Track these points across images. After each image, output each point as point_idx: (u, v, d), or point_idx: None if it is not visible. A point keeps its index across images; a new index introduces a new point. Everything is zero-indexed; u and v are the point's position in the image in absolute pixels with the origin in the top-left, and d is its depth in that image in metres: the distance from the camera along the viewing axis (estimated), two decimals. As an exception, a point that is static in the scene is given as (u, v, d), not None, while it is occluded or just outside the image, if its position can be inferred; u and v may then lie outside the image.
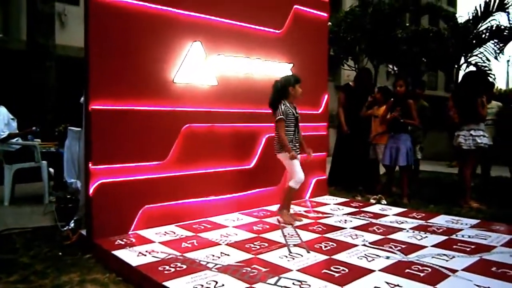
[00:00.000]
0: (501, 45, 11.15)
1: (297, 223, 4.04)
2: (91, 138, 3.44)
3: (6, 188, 5.14)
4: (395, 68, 14.48)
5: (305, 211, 4.58)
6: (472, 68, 11.67)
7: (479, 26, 11.14)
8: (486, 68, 11.35)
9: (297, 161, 4.05)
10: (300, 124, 4.14)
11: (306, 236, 3.61)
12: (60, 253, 3.33)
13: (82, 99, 4.76)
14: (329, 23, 6.52)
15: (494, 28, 10.94)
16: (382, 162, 5.68)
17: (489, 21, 11.03)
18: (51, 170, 5.45)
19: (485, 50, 11.56)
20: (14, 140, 5.27)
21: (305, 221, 4.14)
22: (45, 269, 2.98)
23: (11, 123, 5.32)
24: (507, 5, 10.59)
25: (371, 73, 6.47)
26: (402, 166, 5.46)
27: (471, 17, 11.23)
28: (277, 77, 4.29)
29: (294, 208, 4.54)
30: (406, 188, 5.51)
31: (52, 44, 8.45)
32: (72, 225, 3.85)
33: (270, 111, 4.10)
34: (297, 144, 4.09)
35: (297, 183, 4.03)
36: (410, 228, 3.88)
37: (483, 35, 11.18)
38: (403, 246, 3.30)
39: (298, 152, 4.08)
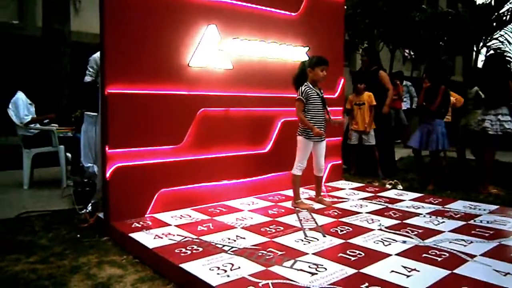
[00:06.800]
0: None
1: (319, 206, 4.05)
2: (107, 122, 3.46)
3: (25, 172, 5.22)
4: (412, 53, 14.24)
5: (320, 196, 4.56)
6: (491, 52, 11.42)
7: (501, 7, 10.84)
8: (505, 53, 11.09)
9: (307, 149, 4.01)
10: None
11: (322, 220, 3.60)
12: (78, 236, 3.38)
13: (86, 78, 4.83)
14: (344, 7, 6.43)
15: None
16: (410, 144, 5.65)
17: (510, 2, 10.72)
18: (68, 154, 5.52)
19: (506, 33, 11.29)
20: (32, 125, 5.34)
21: (321, 205, 4.13)
22: (64, 251, 3.04)
23: (29, 108, 5.38)
24: None
25: (374, 51, 6.37)
26: (431, 152, 5.40)
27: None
28: (293, 60, 4.25)
29: (309, 193, 4.52)
30: (434, 174, 5.41)
31: (68, 30, 8.48)
32: (89, 208, 3.91)
33: (286, 95, 4.07)
34: (322, 128, 4.02)
35: (298, 169, 4.03)
36: (427, 213, 3.84)
37: (504, 17, 10.88)
38: (420, 231, 3.27)
39: (323, 138, 4.06)
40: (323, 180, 5.21)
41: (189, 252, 2.78)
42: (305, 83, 3.96)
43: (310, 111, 3.94)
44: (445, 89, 5.32)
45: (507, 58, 10.42)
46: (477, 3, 11.76)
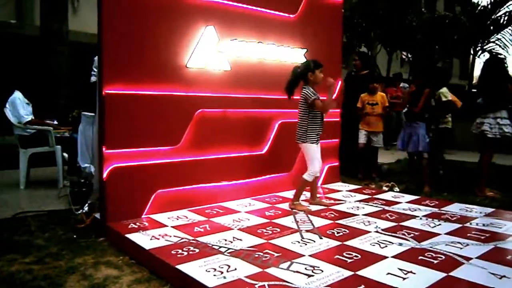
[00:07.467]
0: None
1: (316, 208, 4.06)
2: (104, 122, 3.45)
3: (22, 172, 5.20)
4: (409, 55, 14.29)
5: (317, 198, 4.56)
6: (487, 55, 11.48)
7: (498, 11, 10.89)
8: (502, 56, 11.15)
9: (318, 153, 4.03)
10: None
11: (318, 222, 3.61)
12: (75, 236, 3.37)
13: (92, 78, 4.80)
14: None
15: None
16: (398, 146, 5.78)
17: (507, 6, 10.77)
18: (65, 154, 5.50)
19: (503, 37, 11.33)
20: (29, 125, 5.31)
21: (317, 207, 4.14)
22: (60, 251, 3.03)
23: (26, 107, 5.36)
24: None
25: (367, 54, 6.44)
26: (419, 154, 5.44)
27: (488, 2, 10.99)
28: (291, 62, 4.25)
29: (305, 194, 4.52)
30: (426, 177, 5.43)
31: (66, 29, 8.48)
32: (86, 208, 3.90)
33: (284, 96, 4.06)
34: (320, 133, 4.05)
35: (311, 176, 4.02)
36: (423, 216, 3.85)
37: (501, 21, 10.92)
38: (416, 233, 3.28)
39: (318, 140, 4.06)
40: (320, 181, 5.25)
41: (185, 253, 2.78)
42: (306, 87, 3.97)
43: (311, 113, 3.96)
44: (431, 92, 5.34)
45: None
46: (474, 5, 11.77)
